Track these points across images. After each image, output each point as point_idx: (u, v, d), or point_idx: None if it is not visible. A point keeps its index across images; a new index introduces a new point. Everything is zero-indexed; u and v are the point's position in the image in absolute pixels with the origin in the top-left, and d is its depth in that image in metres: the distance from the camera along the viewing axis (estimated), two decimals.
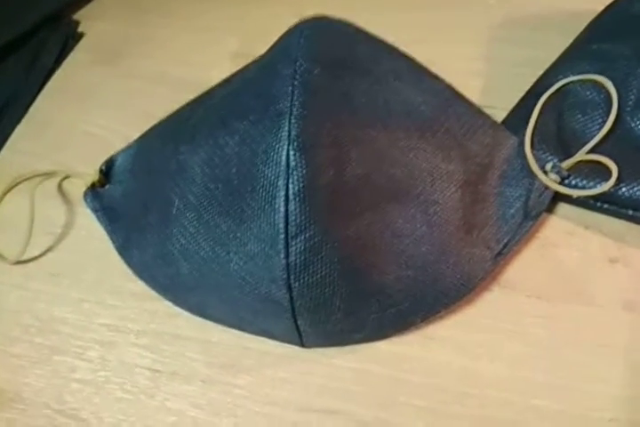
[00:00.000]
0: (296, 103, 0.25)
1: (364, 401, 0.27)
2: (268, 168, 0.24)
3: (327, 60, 0.27)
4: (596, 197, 0.30)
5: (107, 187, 0.33)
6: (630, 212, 0.30)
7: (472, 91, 0.33)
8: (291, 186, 0.23)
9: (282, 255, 0.24)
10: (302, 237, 0.24)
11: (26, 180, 0.36)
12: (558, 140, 0.31)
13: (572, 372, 0.27)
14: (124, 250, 0.31)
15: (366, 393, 0.28)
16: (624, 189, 0.29)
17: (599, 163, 0.30)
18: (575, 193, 0.29)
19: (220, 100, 0.30)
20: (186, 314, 0.30)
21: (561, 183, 0.30)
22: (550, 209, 0.31)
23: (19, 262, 0.33)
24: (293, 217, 0.23)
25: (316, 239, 0.24)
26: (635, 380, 0.27)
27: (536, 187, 0.30)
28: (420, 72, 0.32)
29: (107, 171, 0.34)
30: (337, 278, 0.25)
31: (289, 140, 0.24)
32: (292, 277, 0.24)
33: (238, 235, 0.25)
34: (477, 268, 0.28)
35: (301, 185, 0.23)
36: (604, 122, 0.31)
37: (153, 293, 0.30)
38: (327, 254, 0.24)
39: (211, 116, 0.29)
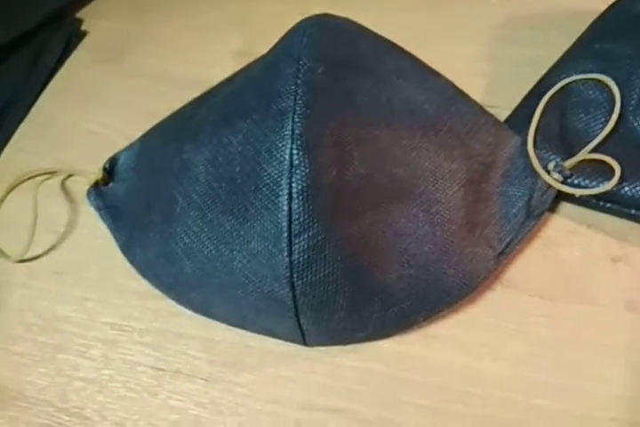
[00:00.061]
0: (299, 102, 0.25)
1: (366, 400, 0.27)
2: (272, 167, 0.24)
3: (330, 58, 0.27)
4: (598, 197, 0.30)
5: (110, 185, 0.33)
6: (633, 211, 0.30)
7: (475, 90, 0.33)
8: (294, 184, 0.23)
9: (285, 253, 0.24)
10: (305, 236, 0.24)
11: (29, 178, 0.36)
12: (561, 140, 0.31)
13: (575, 371, 0.27)
14: (127, 248, 0.31)
15: (369, 392, 0.28)
16: (626, 189, 0.29)
17: (602, 162, 0.30)
18: (578, 192, 0.29)
19: (223, 98, 0.30)
20: (189, 313, 0.30)
21: (563, 182, 0.30)
22: (553, 208, 0.31)
23: (22, 261, 0.33)
24: (297, 215, 0.23)
25: (319, 238, 0.24)
26: (637, 379, 0.27)
27: (539, 186, 0.30)
28: (423, 71, 0.32)
29: (110, 169, 0.34)
30: (340, 277, 0.25)
31: (292, 138, 0.24)
32: (294, 275, 0.24)
33: (242, 233, 0.25)
34: (480, 267, 0.28)
35: (305, 184, 0.23)
36: (607, 121, 0.31)
37: (156, 291, 0.30)
38: (330, 253, 0.24)
39: (214, 114, 0.29)
